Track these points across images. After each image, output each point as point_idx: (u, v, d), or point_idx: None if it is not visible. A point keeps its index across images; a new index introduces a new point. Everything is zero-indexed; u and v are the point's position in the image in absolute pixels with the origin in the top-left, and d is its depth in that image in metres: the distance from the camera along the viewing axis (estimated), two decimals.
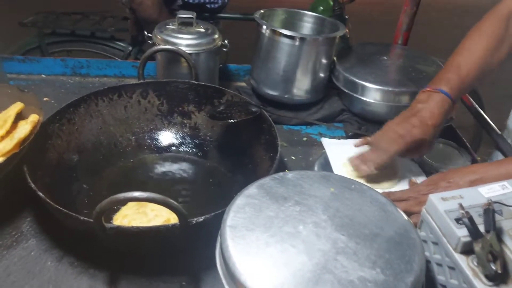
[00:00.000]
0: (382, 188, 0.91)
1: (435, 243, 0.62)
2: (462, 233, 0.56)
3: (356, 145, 0.98)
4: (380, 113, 1.14)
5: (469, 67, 0.92)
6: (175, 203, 0.62)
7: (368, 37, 1.75)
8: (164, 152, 1.06)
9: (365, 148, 0.97)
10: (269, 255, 0.54)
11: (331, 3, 2.00)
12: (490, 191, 0.62)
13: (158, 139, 1.07)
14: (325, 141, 1.05)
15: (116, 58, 2.01)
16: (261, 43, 1.17)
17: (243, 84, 1.36)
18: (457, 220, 0.58)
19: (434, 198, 0.62)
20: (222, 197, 0.92)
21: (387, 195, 0.80)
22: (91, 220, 0.63)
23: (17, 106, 0.87)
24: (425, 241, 0.64)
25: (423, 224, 0.64)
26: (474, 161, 1.01)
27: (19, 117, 0.86)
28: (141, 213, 0.83)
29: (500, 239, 0.56)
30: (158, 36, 1.13)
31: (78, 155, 0.94)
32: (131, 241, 0.68)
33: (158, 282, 0.72)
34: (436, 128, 0.88)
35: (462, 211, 0.56)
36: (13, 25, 1.99)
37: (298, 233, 0.57)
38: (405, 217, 0.61)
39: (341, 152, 1.01)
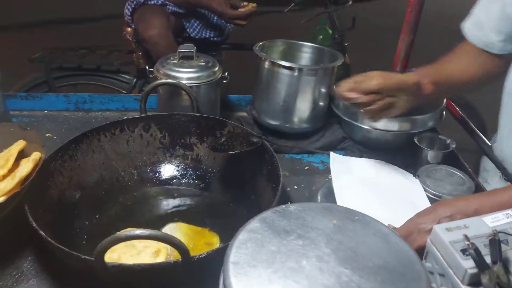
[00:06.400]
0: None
1: (442, 275, 0.60)
2: (468, 264, 0.55)
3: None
4: (381, 140, 1.14)
5: (449, 65, 1.03)
6: (177, 239, 0.62)
7: (368, 62, 1.76)
8: (166, 184, 1.05)
9: None
10: None
11: (330, 31, 2.05)
12: (494, 220, 0.62)
13: (160, 172, 1.07)
14: (333, 156, 1.04)
15: (122, 91, 2.04)
16: (261, 74, 1.19)
17: (245, 114, 1.37)
18: (463, 251, 0.57)
19: (439, 228, 0.61)
20: (225, 230, 0.91)
21: None
22: (93, 259, 0.62)
23: (19, 145, 0.87)
24: (431, 273, 0.63)
25: (429, 255, 0.63)
26: (477, 186, 1.00)
27: (22, 155, 0.86)
28: (129, 246, 0.80)
29: (507, 270, 0.54)
30: (160, 71, 1.15)
31: (80, 192, 0.94)
32: (133, 279, 0.67)
33: None
34: (387, 81, 0.91)
35: (468, 243, 0.55)
36: (20, 63, 2.02)
37: (301, 268, 0.56)
38: (409, 247, 0.60)
39: (345, 173, 1.00)
